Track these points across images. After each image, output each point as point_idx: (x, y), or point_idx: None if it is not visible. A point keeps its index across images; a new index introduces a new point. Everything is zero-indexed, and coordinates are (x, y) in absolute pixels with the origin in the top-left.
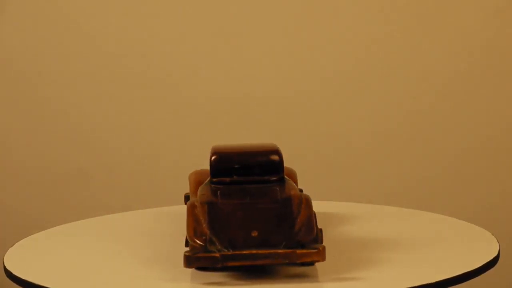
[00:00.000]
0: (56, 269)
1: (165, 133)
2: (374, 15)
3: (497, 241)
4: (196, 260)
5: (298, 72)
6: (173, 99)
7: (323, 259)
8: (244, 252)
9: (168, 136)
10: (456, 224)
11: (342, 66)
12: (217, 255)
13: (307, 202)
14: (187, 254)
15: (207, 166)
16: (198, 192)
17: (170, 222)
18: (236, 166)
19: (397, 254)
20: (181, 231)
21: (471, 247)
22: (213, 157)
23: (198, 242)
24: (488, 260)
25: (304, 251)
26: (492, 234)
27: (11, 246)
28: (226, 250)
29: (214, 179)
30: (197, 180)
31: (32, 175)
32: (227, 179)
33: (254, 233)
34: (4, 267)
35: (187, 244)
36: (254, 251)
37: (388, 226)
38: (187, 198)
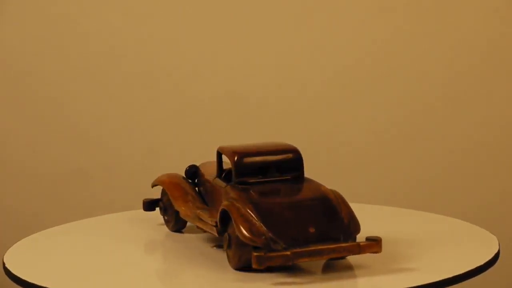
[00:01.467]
0: (56, 269)
1: (165, 133)
2: (374, 15)
3: (497, 240)
4: (268, 259)
5: (299, 72)
6: (173, 99)
7: (381, 250)
8: (312, 248)
9: (168, 136)
10: (456, 224)
11: (342, 67)
12: (288, 253)
13: (342, 196)
14: (257, 254)
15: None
16: (223, 195)
17: None
18: (260, 166)
19: (397, 254)
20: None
21: (471, 247)
22: (237, 158)
23: (260, 241)
24: (487, 259)
25: (367, 243)
26: (492, 234)
27: (11, 246)
28: (292, 248)
29: (238, 180)
30: (175, 183)
31: (32, 175)
32: (252, 180)
33: (312, 229)
34: (4, 266)
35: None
36: (320, 247)
37: (388, 226)
38: (150, 203)
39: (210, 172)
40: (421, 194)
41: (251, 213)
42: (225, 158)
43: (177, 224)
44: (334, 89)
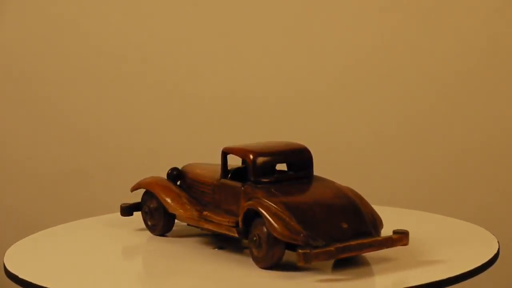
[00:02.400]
0: (56, 268)
1: (165, 133)
2: (375, 15)
3: (497, 240)
4: (315, 256)
5: (298, 72)
6: (173, 99)
7: (408, 242)
8: (353, 243)
9: (168, 136)
10: (456, 224)
11: (342, 67)
12: (333, 249)
13: (358, 193)
14: (303, 251)
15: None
16: (242, 194)
17: None
18: (274, 165)
19: (397, 254)
20: (180, 230)
21: (471, 247)
22: (253, 158)
23: (300, 239)
24: (487, 259)
25: (398, 236)
26: (492, 234)
27: (11, 246)
28: (331, 244)
29: (255, 179)
30: (165, 186)
31: (32, 175)
32: (267, 179)
33: (345, 225)
34: (4, 266)
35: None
36: (360, 241)
37: (388, 226)
38: (130, 208)
39: (198, 173)
40: (421, 194)
41: (282, 212)
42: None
43: (164, 228)
44: (333, 90)
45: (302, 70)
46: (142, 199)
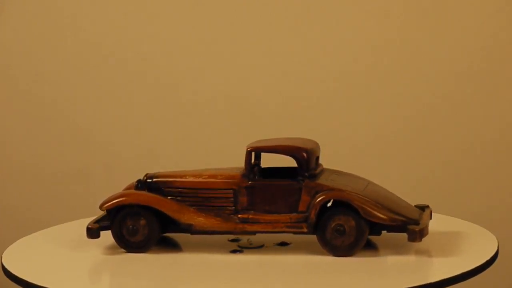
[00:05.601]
0: (55, 268)
1: (165, 133)
2: (375, 15)
3: (497, 240)
4: (422, 233)
5: (298, 73)
6: (173, 99)
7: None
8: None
9: (168, 136)
10: (456, 223)
11: (342, 67)
12: (424, 226)
13: None
14: (418, 229)
15: (208, 165)
16: (305, 189)
17: None
18: (314, 160)
19: (397, 254)
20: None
21: (471, 247)
22: (307, 154)
23: (400, 220)
24: (487, 259)
25: (425, 226)
26: (492, 234)
27: (10, 245)
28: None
29: (309, 174)
30: (159, 199)
31: (32, 175)
32: (317, 172)
33: (413, 207)
34: (3, 265)
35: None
36: (426, 219)
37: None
38: (100, 228)
39: (195, 180)
40: (421, 194)
41: (368, 199)
42: (225, 157)
43: (148, 244)
44: (333, 90)
45: (302, 70)
46: (113, 217)
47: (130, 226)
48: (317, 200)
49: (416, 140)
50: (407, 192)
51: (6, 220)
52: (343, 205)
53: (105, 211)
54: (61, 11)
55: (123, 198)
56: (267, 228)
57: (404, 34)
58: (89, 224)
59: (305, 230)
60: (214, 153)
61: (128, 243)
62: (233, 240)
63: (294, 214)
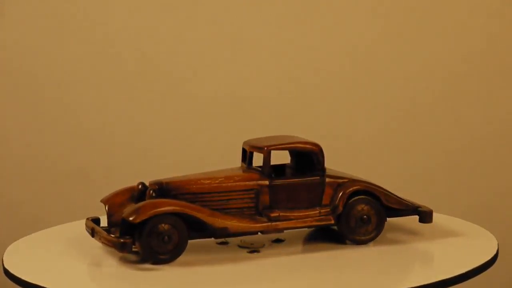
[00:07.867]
0: (55, 268)
1: (165, 133)
2: (375, 15)
3: (497, 240)
4: (429, 214)
5: (298, 73)
6: (174, 99)
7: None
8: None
9: (168, 136)
10: (456, 223)
11: (342, 67)
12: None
13: None
14: (429, 211)
15: (208, 165)
16: (328, 185)
17: None
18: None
19: (397, 254)
20: None
21: (471, 247)
22: (321, 150)
23: (413, 207)
24: (487, 259)
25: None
26: (492, 234)
27: (10, 245)
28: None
29: (322, 168)
30: (183, 205)
31: (32, 174)
32: (325, 167)
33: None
34: (3, 265)
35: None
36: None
37: (388, 226)
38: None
39: (214, 184)
40: (421, 194)
41: (382, 188)
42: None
43: (177, 253)
44: (333, 89)
45: (302, 70)
46: (142, 228)
47: (163, 236)
48: (346, 192)
49: (416, 140)
50: (407, 192)
51: (7, 220)
52: (363, 195)
53: (126, 222)
54: (61, 11)
55: (158, 208)
56: (298, 224)
57: (404, 34)
58: (119, 237)
59: (332, 221)
60: (214, 153)
61: (157, 253)
62: (221, 243)
63: (320, 207)
